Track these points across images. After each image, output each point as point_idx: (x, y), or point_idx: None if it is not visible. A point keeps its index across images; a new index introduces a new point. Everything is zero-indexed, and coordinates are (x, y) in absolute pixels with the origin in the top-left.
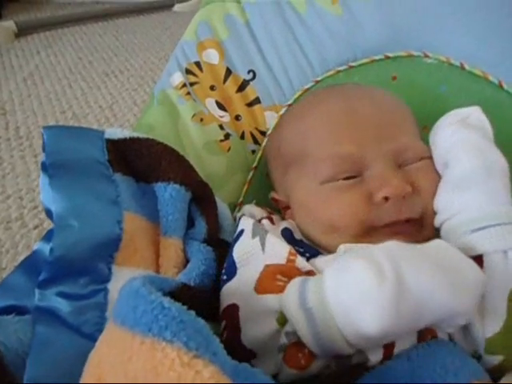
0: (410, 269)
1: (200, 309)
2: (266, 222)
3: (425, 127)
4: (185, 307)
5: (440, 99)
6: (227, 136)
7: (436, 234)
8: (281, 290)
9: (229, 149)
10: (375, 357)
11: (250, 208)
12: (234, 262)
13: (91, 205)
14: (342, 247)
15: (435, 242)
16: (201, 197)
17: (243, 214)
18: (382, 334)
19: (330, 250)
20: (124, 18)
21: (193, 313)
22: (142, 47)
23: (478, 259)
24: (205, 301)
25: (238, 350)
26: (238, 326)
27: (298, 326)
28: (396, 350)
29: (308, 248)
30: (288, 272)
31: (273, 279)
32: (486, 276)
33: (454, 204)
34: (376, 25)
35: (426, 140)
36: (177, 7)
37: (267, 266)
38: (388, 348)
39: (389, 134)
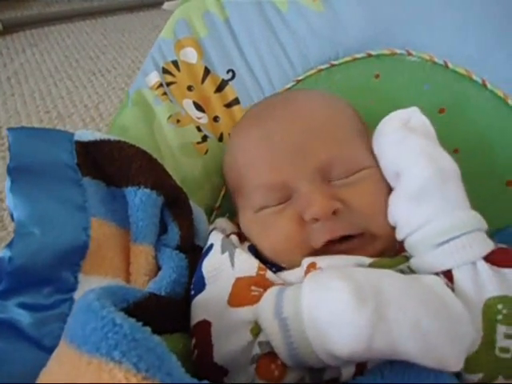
0: (393, 305)
1: (170, 319)
2: (234, 237)
3: None
4: (139, 324)
5: (423, 98)
6: (205, 138)
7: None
8: (256, 300)
9: (206, 151)
10: (348, 371)
11: (222, 222)
12: (202, 277)
13: (55, 211)
14: (304, 262)
15: (431, 279)
16: (174, 201)
17: (215, 228)
18: (351, 355)
19: (292, 266)
20: (112, 16)
21: (148, 329)
22: (130, 46)
23: (448, 274)
24: (175, 310)
25: (209, 367)
26: (211, 343)
27: (272, 336)
28: (370, 365)
29: (272, 264)
30: (261, 283)
31: (247, 290)
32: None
33: (415, 217)
34: (358, 22)
35: None
36: (166, 5)
37: (238, 279)
38: (361, 363)
39: (310, 150)
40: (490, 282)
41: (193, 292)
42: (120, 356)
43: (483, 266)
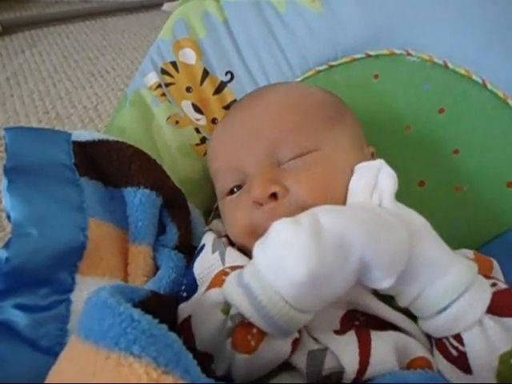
0: (325, 213)
1: (170, 318)
2: (225, 239)
3: (408, 127)
4: (156, 320)
5: (423, 98)
6: (203, 140)
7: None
8: (224, 282)
9: (205, 153)
10: (351, 366)
11: (217, 223)
12: (194, 280)
13: (52, 211)
14: None
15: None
16: (173, 202)
17: (210, 229)
18: (312, 274)
19: None
20: (112, 16)
21: (164, 326)
22: (129, 47)
23: (457, 337)
24: (175, 309)
25: (195, 357)
26: (191, 332)
27: (240, 304)
28: (372, 360)
29: None
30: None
31: (220, 276)
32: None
33: (409, 291)
34: (357, 23)
35: (407, 139)
36: (166, 6)
37: (222, 269)
38: (364, 357)
39: (260, 134)
40: (498, 339)
41: (185, 294)
42: (139, 351)
43: (489, 323)
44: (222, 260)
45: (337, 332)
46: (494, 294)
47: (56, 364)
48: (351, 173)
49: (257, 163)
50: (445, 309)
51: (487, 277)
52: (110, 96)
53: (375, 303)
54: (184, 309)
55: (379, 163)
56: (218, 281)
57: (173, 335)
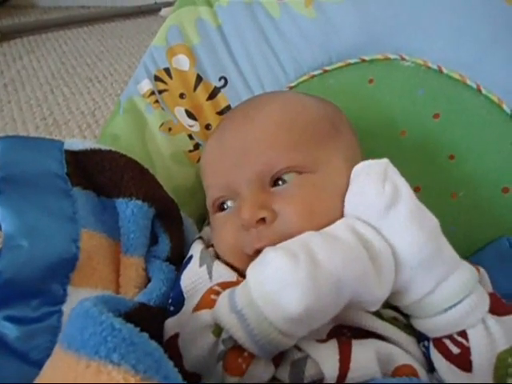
0: (321, 249)
1: (159, 330)
2: (213, 249)
3: (402, 132)
4: (138, 329)
5: (418, 103)
6: (197, 146)
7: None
8: (214, 303)
9: (198, 159)
10: (331, 371)
11: (208, 230)
12: (181, 292)
13: (44, 223)
14: None
15: (342, 221)
16: (165, 212)
17: (200, 237)
18: (307, 311)
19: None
20: (110, 22)
21: (145, 335)
22: (127, 52)
23: (462, 333)
24: (163, 322)
25: (182, 376)
26: (179, 352)
27: (233, 330)
28: (352, 365)
29: None
30: (225, 287)
31: (209, 295)
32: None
33: (421, 285)
34: (351, 27)
35: (402, 144)
36: (163, 12)
37: (211, 288)
38: (344, 363)
39: (254, 154)
40: (499, 336)
41: (172, 308)
42: (119, 358)
43: (491, 321)
44: (210, 274)
45: (319, 340)
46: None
47: (40, 374)
48: (342, 197)
49: (247, 184)
50: (455, 305)
51: None
52: (107, 101)
53: (363, 316)
54: (171, 325)
55: (386, 163)
56: (208, 301)
57: (153, 343)
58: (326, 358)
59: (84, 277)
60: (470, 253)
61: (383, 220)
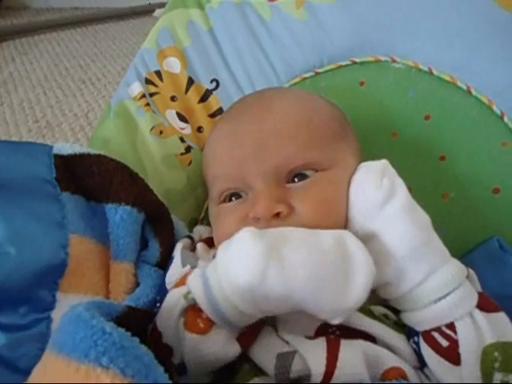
0: (290, 244)
1: (145, 332)
2: (200, 245)
3: (394, 133)
4: (129, 333)
5: (409, 105)
6: (188, 149)
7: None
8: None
9: (190, 162)
10: (317, 368)
11: (200, 228)
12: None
13: (31, 229)
14: None
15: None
16: (155, 217)
17: (187, 236)
18: (251, 290)
19: None
20: (103, 23)
21: (136, 339)
22: (120, 53)
23: (451, 326)
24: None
25: (160, 352)
26: (157, 329)
27: (195, 291)
28: (339, 364)
29: None
30: None
31: (186, 276)
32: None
33: (411, 276)
34: (342, 29)
35: (394, 146)
36: (157, 13)
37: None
38: (331, 361)
39: (270, 150)
40: (486, 330)
41: (159, 304)
42: (108, 362)
43: (479, 315)
44: (194, 267)
45: (307, 337)
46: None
47: (29, 378)
48: None
49: (263, 178)
50: (443, 297)
51: None
52: (100, 103)
53: (354, 314)
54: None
55: (384, 163)
56: (185, 279)
57: (144, 348)
58: (313, 354)
59: (73, 283)
60: (461, 254)
61: (379, 211)
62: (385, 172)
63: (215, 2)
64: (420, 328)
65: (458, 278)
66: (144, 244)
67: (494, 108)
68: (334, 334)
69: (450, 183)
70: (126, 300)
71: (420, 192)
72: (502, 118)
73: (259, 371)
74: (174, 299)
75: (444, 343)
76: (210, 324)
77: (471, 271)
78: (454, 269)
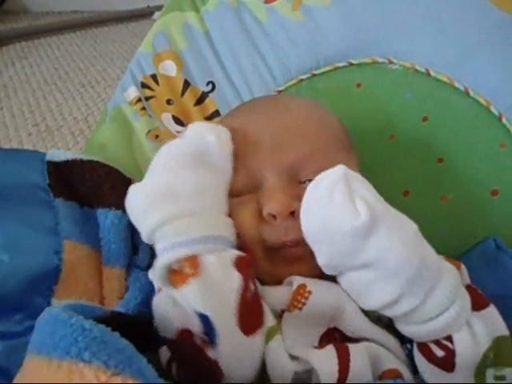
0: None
1: (135, 337)
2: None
3: (392, 136)
4: (109, 328)
5: (406, 106)
6: None
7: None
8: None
9: None
10: (331, 377)
11: None
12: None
13: (25, 235)
14: (294, 282)
15: None
16: None
17: None
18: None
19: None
20: (103, 26)
21: (116, 334)
22: (120, 56)
23: (448, 337)
24: (139, 331)
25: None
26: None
27: (164, 258)
28: (351, 368)
29: None
30: None
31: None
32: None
33: (405, 301)
34: (338, 31)
35: (391, 148)
36: (156, 15)
37: None
38: (343, 368)
39: (287, 147)
40: (482, 335)
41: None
42: (90, 356)
43: (474, 320)
44: None
45: (316, 347)
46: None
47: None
48: None
49: (278, 175)
50: (442, 313)
51: None
52: (100, 106)
53: (357, 318)
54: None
55: (344, 169)
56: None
57: (124, 341)
58: (327, 365)
59: (68, 289)
60: (459, 256)
61: (363, 246)
62: (351, 187)
63: (211, 4)
64: (416, 340)
65: (455, 290)
66: (136, 249)
67: (492, 109)
68: (337, 339)
69: (449, 185)
70: (118, 306)
71: (418, 194)
72: (500, 119)
73: None
74: (162, 308)
75: (440, 353)
76: (195, 262)
77: (463, 265)
78: (450, 283)
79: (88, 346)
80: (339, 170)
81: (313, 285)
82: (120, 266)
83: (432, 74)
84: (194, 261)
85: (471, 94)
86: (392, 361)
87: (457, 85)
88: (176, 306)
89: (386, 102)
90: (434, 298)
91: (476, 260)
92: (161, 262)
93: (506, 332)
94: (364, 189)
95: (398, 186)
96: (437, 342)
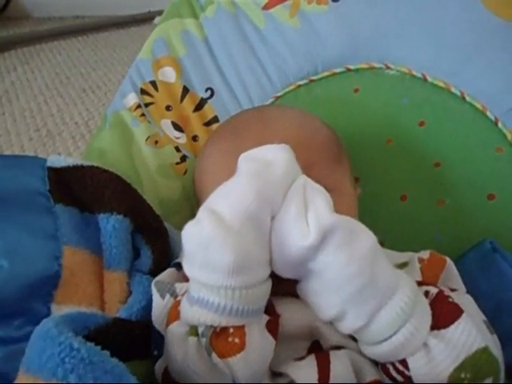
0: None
1: (135, 344)
2: (169, 272)
3: (389, 140)
4: (98, 347)
5: (403, 111)
6: (183, 158)
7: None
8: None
9: (185, 172)
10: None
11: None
12: (159, 333)
13: (24, 241)
14: None
15: None
16: (147, 226)
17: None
18: (236, 256)
19: None
20: (104, 32)
21: (106, 353)
22: (121, 61)
23: (403, 362)
24: (143, 336)
25: None
26: (170, 377)
27: (202, 318)
28: (332, 374)
29: None
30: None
31: (175, 308)
32: None
33: (350, 319)
34: (336, 37)
35: (388, 153)
36: (157, 20)
37: (175, 301)
38: (323, 375)
39: None
40: (444, 357)
41: (156, 352)
42: (76, 379)
43: (432, 342)
44: (174, 295)
45: (296, 359)
46: (430, 306)
47: None
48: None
49: None
50: (390, 337)
51: (422, 283)
52: (101, 111)
53: (332, 333)
54: (160, 365)
55: (303, 179)
56: (175, 314)
57: (114, 361)
58: (305, 376)
59: (67, 294)
60: (456, 260)
61: (311, 261)
62: (307, 197)
63: (210, 11)
64: (375, 359)
65: (405, 312)
66: (137, 254)
67: (488, 114)
68: (325, 349)
69: (445, 189)
70: (121, 310)
71: (415, 199)
72: (496, 123)
73: None
74: (179, 340)
75: (399, 378)
76: (242, 332)
77: (449, 261)
78: (401, 302)
79: (75, 367)
80: (299, 180)
81: (283, 305)
82: (121, 269)
83: (429, 79)
84: (241, 332)
85: (467, 99)
86: (373, 371)
87: (453, 90)
88: (202, 356)
89: (383, 106)
90: (380, 320)
91: (472, 262)
92: (207, 320)
93: (482, 344)
94: (320, 200)
95: (395, 191)
96: (394, 367)
